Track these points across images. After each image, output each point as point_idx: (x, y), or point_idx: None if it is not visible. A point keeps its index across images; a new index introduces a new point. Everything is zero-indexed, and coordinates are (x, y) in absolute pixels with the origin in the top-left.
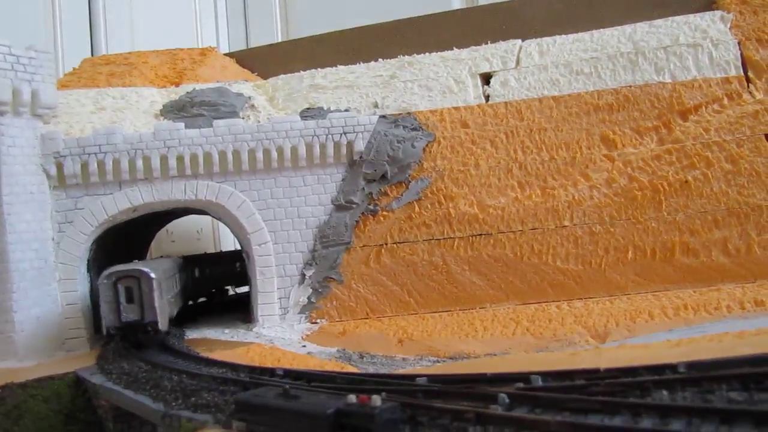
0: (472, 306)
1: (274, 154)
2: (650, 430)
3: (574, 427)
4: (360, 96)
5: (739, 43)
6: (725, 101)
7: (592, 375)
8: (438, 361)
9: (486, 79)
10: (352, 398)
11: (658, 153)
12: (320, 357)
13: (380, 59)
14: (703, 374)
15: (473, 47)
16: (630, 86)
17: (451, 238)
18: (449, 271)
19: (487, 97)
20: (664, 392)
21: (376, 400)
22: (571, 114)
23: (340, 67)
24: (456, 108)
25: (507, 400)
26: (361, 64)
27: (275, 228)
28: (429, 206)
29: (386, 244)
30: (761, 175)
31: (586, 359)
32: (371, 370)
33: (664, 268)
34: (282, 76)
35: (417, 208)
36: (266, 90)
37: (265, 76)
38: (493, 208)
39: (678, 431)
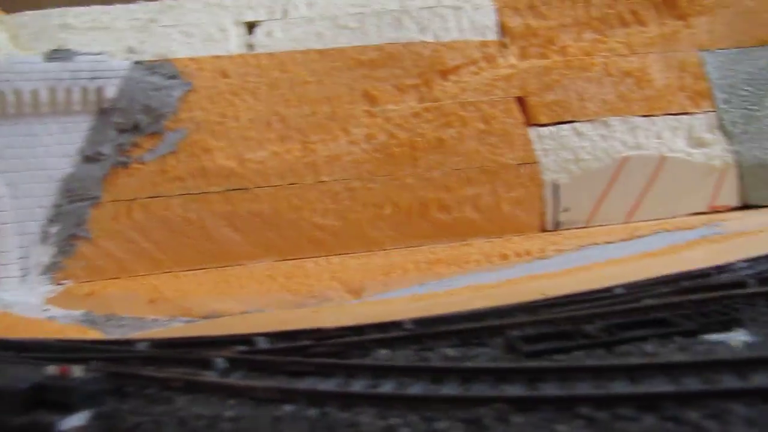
0: (228, 263)
1: (11, 98)
2: (358, 394)
3: (281, 392)
4: (114, 39)
5: (497, 10)
6: (482, 64)
7: (320, 335)
8: (191, 321)
9: (251, 28)
10: (53, 369)
11: (417, 111)
12: (63, 321)
13: (140, 1)
14: (425, 331)
15: None
16: (394, 43)
17: (207, 192)
18: (205, 227)
19: (251, 47)
20: (385, 351)
21: (76, 370)
22: (335, 68)
23: (94, 7)
24: (217, 57)
25: (223, 365)
26: (118, 5)
27: (12, 181)
28: (185, 159)
29: (138, 199)
30: (511, 136)
31: (327, 317)
32: (118, 333)
33: (420, 223)
34: (28, 12)
35: (172, 161)
36: (9, 27)
37: (9, 10)
38: (252, 162)
39: (386, 393)
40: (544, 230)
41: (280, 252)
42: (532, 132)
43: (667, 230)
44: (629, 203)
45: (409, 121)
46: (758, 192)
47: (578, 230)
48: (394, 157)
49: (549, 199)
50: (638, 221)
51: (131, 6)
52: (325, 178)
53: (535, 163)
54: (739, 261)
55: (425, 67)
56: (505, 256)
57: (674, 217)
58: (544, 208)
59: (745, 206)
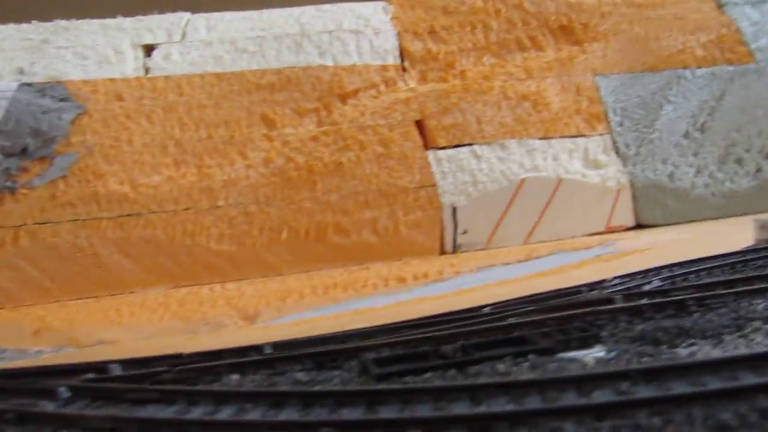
0: (121, 291)
1: None
2: (194, 421)
3: (115, 421)
4: (3, 60)
5: (398, 34)
6: (382, 87)
7: (174, 361)
8: (78, 351)
9: (149, 51)
10: None
11: (315, 134)
12: None
13: (33, 21)
14: (282, 355)
15: (139, 17)
16: (293, 67)
17: (98, 218)
18: (96, 254)
19: (147, 70)
20: (236, 376)
21: None
22: (233, 92)
23: None
24: (112, 80)
25: (66, 395)
26: (10, 24)
27: None
28: (75, 184)
29: (26, 225)
30: (409, 159)
31: (205, 342)
32: None
33: (317, 247)
34: None
35: (62, 186)
36: None
37: None
38: (146, 186)
39: (222, 420)
40: (443, 253)
41: (175, 279)
42: (431, 155)
43: (564, 251)
44: (527, 225)
45: (308, 145)
46: (651, 212)
47: (477, 252)
48: (292, 180)
49: (448, 221)
50: (537, 242)
51: (23, 26)
52: (221, 203)
53: (433, 185)
54: (612, 278)
55: (324, 90)
56: (402, 280)
57: (572, 238)
58: (443, 231)
59: (639, 226)
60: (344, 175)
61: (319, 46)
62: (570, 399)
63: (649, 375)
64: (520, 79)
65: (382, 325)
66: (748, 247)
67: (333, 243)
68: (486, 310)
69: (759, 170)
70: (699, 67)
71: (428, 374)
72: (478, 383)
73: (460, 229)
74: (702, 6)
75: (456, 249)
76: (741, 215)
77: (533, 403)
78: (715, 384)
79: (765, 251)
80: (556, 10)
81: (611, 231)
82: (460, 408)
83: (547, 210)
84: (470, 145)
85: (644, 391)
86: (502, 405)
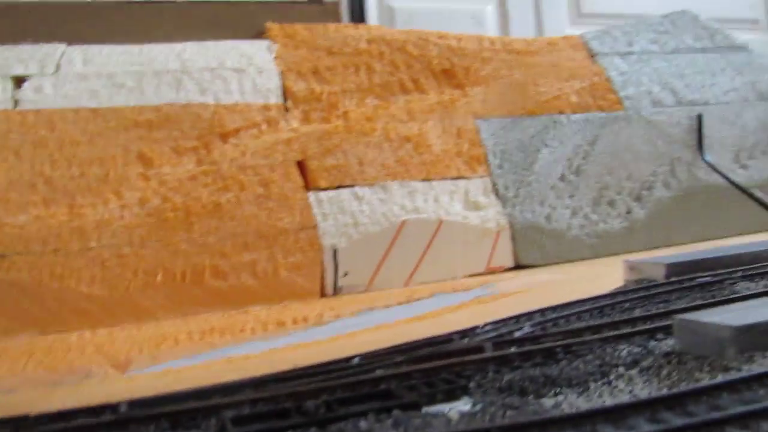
0: None
1: None
2: None
3: None
4: None
5: (281, 74)
6: (264, 127)
7: (19, 423)
8: None
9: (19, 83)
10: None
11: (194, 174)
12: None
13: None
14: (137, 414)
15: (9, 46)
16: (173, 104)
17: None
18: None
19: (17, 103)
20: None
21: None
22: (109, 128)
23: None
24: None
25: None
26: None
27: None
28: None
29: None
30: (290, 200)
31: (63, 397)
32: None
33: (194, 291)
34: None
35: None
36: None
37: None
38: (11, 226)
39: None
40: (323, 296)
41: (42, 325)
42: (312, 196)
43: (445, 292)
44: (409, 267)
45: (186, 185)
46: (529, 252)
47: (358, 295)
48: (168, 222)
49: (328, 263)
50: (418, 284)
51: None
52: (93, 244)
53: (314, 227)
54: (485, 324)
55: (204, 129)
56: (282, 324)
57: (453, 279)
58: (324, 273)
59: (518, 266)
60: (223, 217)
61: (200, 84)
62: None
63: (511, 431)
64: (402, 121)
65: (249, 379)
66: (617, 288)
67: (210, 286)
68: (355, 361)
69: (629, 212)
70: (574, 112)
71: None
72: None
73: (341, 272)
74: (576, 55)
75: (337, 292)
76: (613, 254)
77: None
78: None
79: (632, 293)
80: (439, 54)
81: (491, 272)
82: None
83: (428, 251)
84: (352, 186)
85: None
86: None
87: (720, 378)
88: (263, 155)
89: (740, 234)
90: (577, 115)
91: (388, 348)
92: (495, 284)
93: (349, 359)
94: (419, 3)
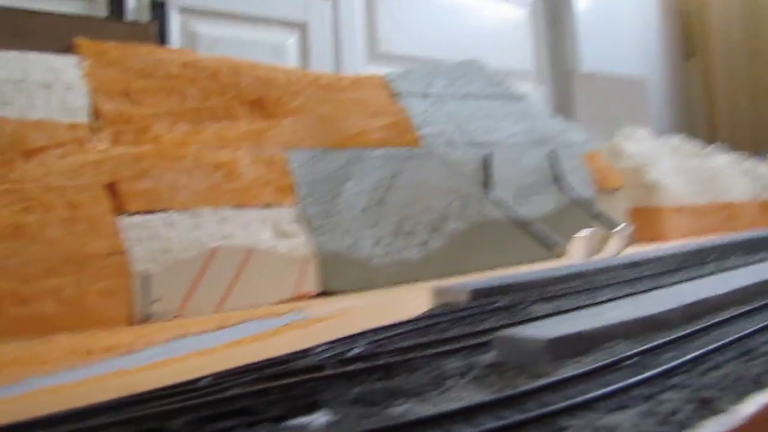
0: None
1: None
2: None
3: None
4: None
5: (90, 92)
6: (71, 147)
7: None
8: None
9: None
10: None
11: None
12: None
13: None
14: None
15: None
16: None
17: None
18: None
19: None
20: None
21: None
22: None
23: None
24: None
25: None
26: None
27: None
28: None
29: None
30: (98, 224)
31: None
32: None
33: None
34: None
35: None
36: None
37: None
38: None
39: None
40: (133, 323)
41: None
42: (122, 221)
43: (257, 318)
44: (219, 293)
45: None
46: (335, 280)
47: (169, 322)
48: None
49: (138, 290)
50: (229, 311)
51: None
52: None
53: (123, 252)
54: (319, 345)
55: (6, 146)
56: (90, 352)
57: (263, 306)
58: (133, 300)
59: (324, 293)
60: (25, 239)
61: (2, 97)
62: None
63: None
64: (214, 147)
65: (100, 403)
66: (430, 311)
67: (9, 314)
68: (204, 382)
69: (426, 242)
70: (377, 147)
71: None
72: None
73: (151, 298)
74: (378, 94)
75: (146, 319)
76: (412, 282)
77: None
78: None
79: (444, 315)
80: (250, 84)
81: (299, 298)
82: None
83: (238, 278)
84: (163, 211)
85: None
86: None
87: (541, 381)
88: (70, 176)
89: (521, 263)
90: (380, 150)
91: (237, 368)
92: (305, 310)
93: (195, 381)
94: (223, 31)
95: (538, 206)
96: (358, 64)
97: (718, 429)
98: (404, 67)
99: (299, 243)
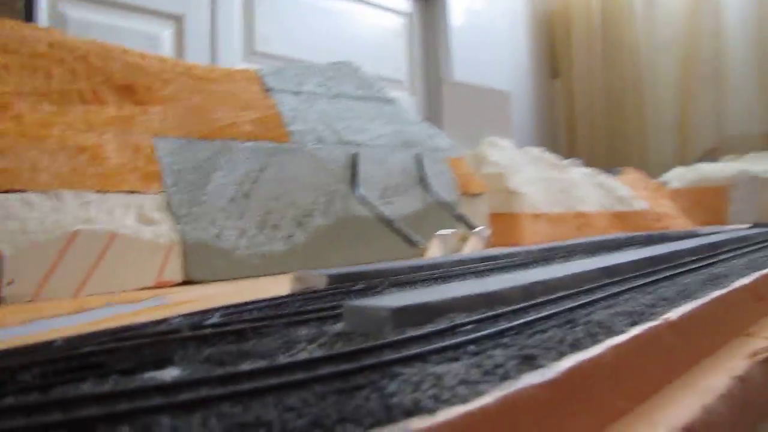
0: None
1: None
2: None
3: None
4: None
5: None
6: None
7: None
8: None
9: None
10: None
11: None
12: None
13: None
14: None
15: None
16: None
17: None
18: None
19: None
20: None
21: None
22: None
23: None
24: None
25: None
26: None
27: None
28: None
29: None
30: None
31: None
32: None
33: None
34: None
35: None
36: None
37: None
38: None
39: None
40: None
41: None
42: None
43: (116, 303)
44: (79, 278)
45: None
46: (199, 269)
47: (23, 305)
48: None
49: None
50: (88, 295)
51: None
52: None
53: None
54: (175, 316)
55: None
56: None
57: (124, 292)
58: None
59: (187, 282)
60: None
61: None
62: (158, 401)
63: (225, 379)
64: (79, 130)
65: None
66: (288, 294)
67: None
68: (58, 343)
69: (291, 236)
70: (246, 140)
71: (9, 399)
72: (69, 397)
73: (5, 280)
74: (250, 87)
75: (0, 301)
76: (276, 274)
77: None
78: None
79: (301, 295)
80: (121, 69)
81: (161, 286)
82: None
83: (99, 263)
84: (22, 191)
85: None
86: (96, 411)
87: (381, 341)
88: None
89: (384, 260)
90: (250, 143)
91: (86, 334)
92: (166, 296)
93: (50, 342)
94: (95, 16)
95: (402, 206)
96: (234, 61)
97: (536, 380)
98: (284, 66)
99: (163, 231)
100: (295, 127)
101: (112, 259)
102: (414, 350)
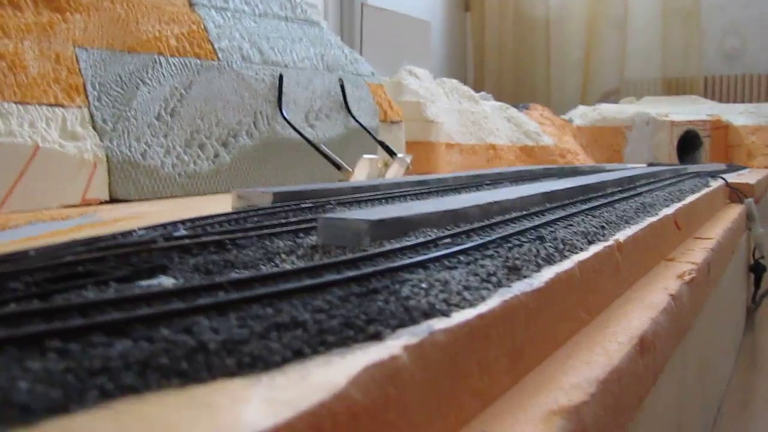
0: None
1: None
2: None
3: None
4: None
5: None
6: None
7: None
8: None
9: None
10: None
11: None
12: None
13: None
14: None
15: None
16: None
17: None
18: None
19: None
20: None
21: None
22: None
23: None
24: None
25: None
26: None
27: None
28: None
29: None
30: None
31: None
32: None
33: None
34: None
35: None
36: None
37: None
38: None
39: None
40: None
41: None
42: None
43: (43, 221)
44: (0, 194)
45: None
46: (125, 187)
47: None
48: None
49: None
50: (10, 212)
51: None
52: None
53: None
54: (139, 228)
55: None
56: None
57: (48, 210)
58: None
59: (113, 200)
60: None
61: None
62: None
63: (238, 284)
64: None
65: None
66: (237, 210)
67: None
68: (32, 253)
69: (217, 156)
70: (172, 55)
71: (11, 305)
72: (88, 301)
73: None
74: (176, 1)
75: None
76: (202, 194)
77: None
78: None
79: (252, 212)
80: None
81: (87, 204)
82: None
83: (21, 179)
84: None
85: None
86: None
87: (375, 250)
88: None
89: (310, 182)
90: (176, 59)
91: (64, 243)
92: (96, 214)
93: (23, 252)
94: None
95: (325, 129)
96: None
97: (527, 289)
98: None
99: (89, 147)
100: (221, 45)
101: (35, 175)
102: (418, 258)
